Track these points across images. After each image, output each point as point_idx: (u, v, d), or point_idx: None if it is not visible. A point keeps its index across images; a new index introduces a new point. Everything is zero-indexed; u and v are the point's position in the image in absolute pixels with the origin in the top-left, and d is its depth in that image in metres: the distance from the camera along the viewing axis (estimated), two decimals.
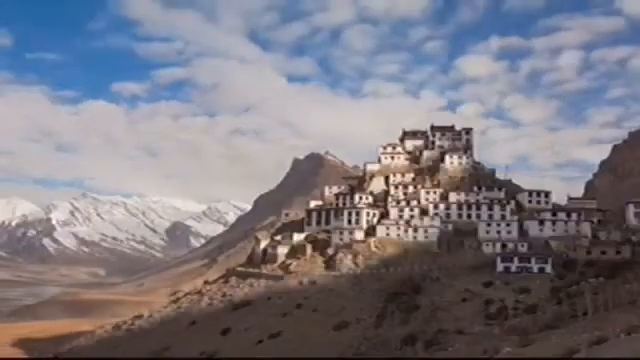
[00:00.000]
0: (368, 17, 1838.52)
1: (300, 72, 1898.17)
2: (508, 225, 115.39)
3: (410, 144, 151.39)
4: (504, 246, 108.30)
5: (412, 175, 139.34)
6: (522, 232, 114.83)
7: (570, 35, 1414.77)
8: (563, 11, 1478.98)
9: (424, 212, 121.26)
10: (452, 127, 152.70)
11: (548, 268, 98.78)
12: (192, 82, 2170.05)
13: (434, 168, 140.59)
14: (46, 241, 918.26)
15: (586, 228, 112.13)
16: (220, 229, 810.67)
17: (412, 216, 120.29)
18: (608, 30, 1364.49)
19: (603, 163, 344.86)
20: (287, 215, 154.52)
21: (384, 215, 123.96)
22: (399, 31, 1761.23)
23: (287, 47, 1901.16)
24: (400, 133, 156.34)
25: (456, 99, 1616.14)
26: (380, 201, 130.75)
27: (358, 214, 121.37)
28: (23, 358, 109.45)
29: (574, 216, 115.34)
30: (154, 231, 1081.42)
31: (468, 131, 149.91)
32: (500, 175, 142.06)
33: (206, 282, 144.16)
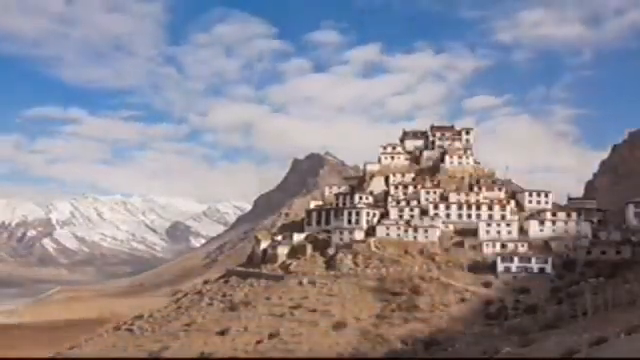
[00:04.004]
0: None
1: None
2: (508, 225, 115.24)
3: (410, 144, 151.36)
4: (504, 246, 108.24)
5: (412, 175, 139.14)
6: (522, 232, 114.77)
7: None
8: None
9: (424, 212, 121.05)
10: (452, 127, 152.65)
11: (548, 268, 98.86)
12: None
13: (434, 168, 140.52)
14: (46, 241, 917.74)
15: (586, 228, 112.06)
16: (220, 229, 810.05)
17: (412, 216, 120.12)
18: None
19: (603, 163, 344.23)
20: (287, 215, 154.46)
21: (384, 215, 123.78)
22: None
23: None
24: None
25: None
26: (380, 201, 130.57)
27: (358, 214, 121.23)
28: (22, 358, 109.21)
29: (574, 216, 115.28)
30: (154, 231, 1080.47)
31: (468, 131, 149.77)
32: (500, 175, 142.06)
33: (206, 282, 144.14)
